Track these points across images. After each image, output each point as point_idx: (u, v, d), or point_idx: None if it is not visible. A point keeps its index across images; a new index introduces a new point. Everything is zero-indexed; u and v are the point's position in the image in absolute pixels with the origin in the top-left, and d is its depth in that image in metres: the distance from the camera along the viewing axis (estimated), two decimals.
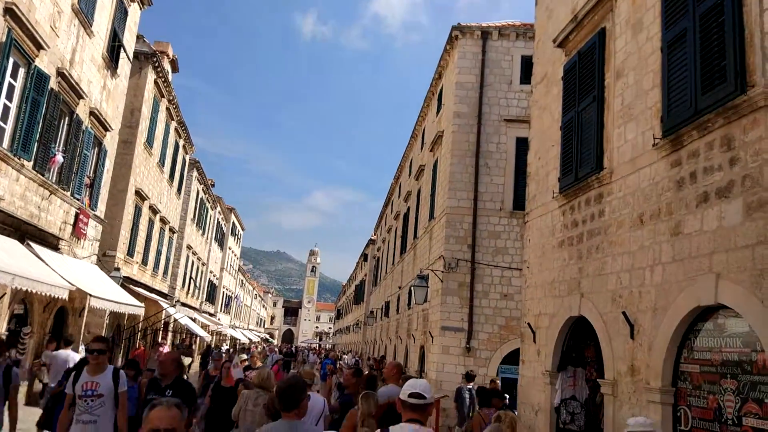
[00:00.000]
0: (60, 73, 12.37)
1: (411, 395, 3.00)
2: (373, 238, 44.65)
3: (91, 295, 12.30)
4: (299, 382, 3.48)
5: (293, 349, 49.48)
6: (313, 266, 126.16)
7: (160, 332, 28.27)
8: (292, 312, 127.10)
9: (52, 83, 12.09)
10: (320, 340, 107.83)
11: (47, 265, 11.69)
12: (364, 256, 48.34)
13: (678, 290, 4.92)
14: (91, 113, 14.43)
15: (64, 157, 13.15)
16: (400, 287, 21.66)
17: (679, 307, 4.85)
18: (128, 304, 15.09)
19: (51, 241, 13.24)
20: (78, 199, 14.41)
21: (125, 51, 15.97)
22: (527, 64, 14.04)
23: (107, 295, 14.01)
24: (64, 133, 13.36)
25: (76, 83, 13.11)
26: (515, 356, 12.76)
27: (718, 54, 4.54)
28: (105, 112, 15.40)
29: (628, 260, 5.84)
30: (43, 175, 12.13)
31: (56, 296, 10.89)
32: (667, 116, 5.31)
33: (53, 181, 12.91)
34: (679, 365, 4.95)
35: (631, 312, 5.61)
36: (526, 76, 13.99)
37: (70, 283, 11.71)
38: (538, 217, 8.45)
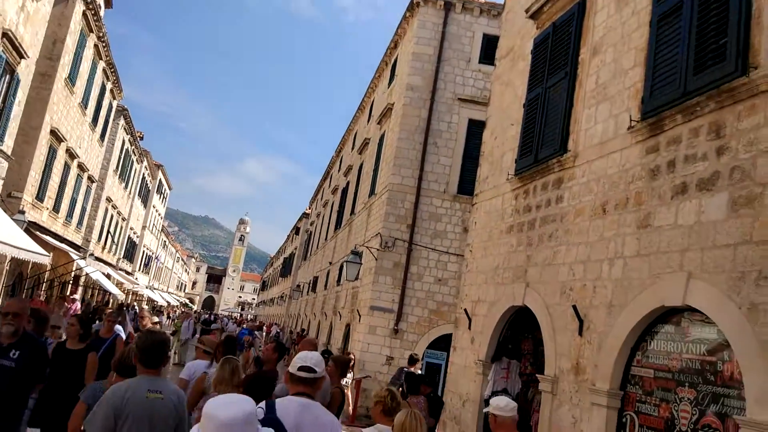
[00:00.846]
0: None
1: (301, 368, 2.92)
2: (307, 211, 43.60)
3: None
4: (165, 338, 3.38)
5: (212, 316, 47.29)
6: (242, 235, 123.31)
7: (69, 285, 26.28)
8: (215, 279, 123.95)
9: None
10: (242, 310, 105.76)
11: None
12: (296, 230, 47.24)
13: (640, 287, 4.53)
14: (4, 35, 12.67)
15: None
16: (331, 263, 20.98)
17: (640, 306, 4.46)
18: (28, 250, 13.51)
19: None
20: None
21: None
22: (488, 42, 13.56)
23: (6, 238, 12.47)
24: None
25: None
26: (442, 341, 12.50)
27: (717, 30, 4.11)
28: (21, 36, 13.62)
29: (584, 251, 5.43)
30: None
31: None
32: (648, 97, 4.88)
33: None
34: (630, 368, 4.58)
35: (582, 306, 5.22)
36: (485, 55, 13.50)
37: None
38: (488, 200, 7.98)
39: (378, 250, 12.59)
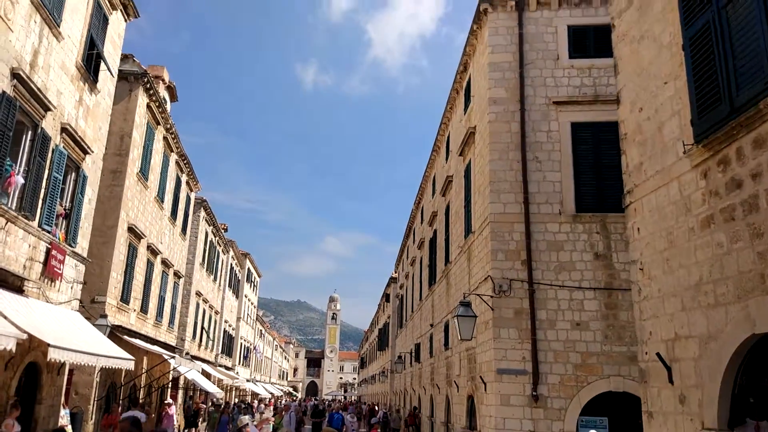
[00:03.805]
0: (15, 75, 10.15)
1: None
2: (394, 276, 41.77)
3: (50, 345, 9.66)
4: None
5: (319, 404, 37.71)
6: (333, 313, 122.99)
7: (168, 390, 25.39)
8: (315, 363, 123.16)
9: (5, 86, 9.87)
10: (345, 391, 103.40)
11: None
12: (386, 297, 45.32)
13: None
14: (64, 130, 12.20)
15: (25, 178, 10.84)
16: (432, 325, 18.68)
17: None
18: (108, 356, 12.33)
19: (11, 282, 10.75)
20: (48, 232, 11.97)
21: (105, 62, 13.83)
22: (577, 34, 11.62)
23: (84, 346, 11.37)
24: (25, 149, 11.06)
25: (40, 90, 10.90)
26: (598, 404, 9.81)
27: None
28: (82, 131, 13.17)
29: None
30: None
31: (0, 347, 8.47)
32: None
33: (11, 207, 10.53)
34: None
35: None
36: (576, 48, 11.49)
37: (20, 329, 9.20)
38: (651, 193, 5.69)
39: (492, 297, 10.29)
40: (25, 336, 9.23)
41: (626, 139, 6.26)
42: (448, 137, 16.84)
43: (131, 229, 17.91)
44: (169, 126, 20.80)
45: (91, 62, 13.30)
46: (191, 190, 26.54)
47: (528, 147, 10.89)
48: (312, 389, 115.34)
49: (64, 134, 12.21)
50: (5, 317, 9.28)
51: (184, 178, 24.54)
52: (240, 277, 47.33)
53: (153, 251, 20.52)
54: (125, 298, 18.08)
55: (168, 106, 21.39)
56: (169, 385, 25.28)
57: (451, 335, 14.82)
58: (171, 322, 24.91)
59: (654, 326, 5.48)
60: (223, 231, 37.76)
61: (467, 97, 13.89)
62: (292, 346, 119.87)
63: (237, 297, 46.54)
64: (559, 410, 9.70)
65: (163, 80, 20.50)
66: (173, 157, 22.31)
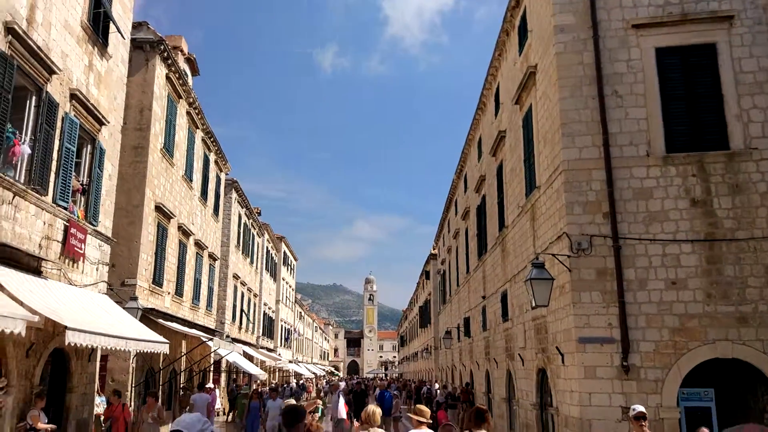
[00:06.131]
0: (10, 30, 9.01)
1: None
2: (433, 252, 40.34)
3: (67, 328, 8.59)
4: (298, 408, 4.08)
5: (362, 382, 36.71)
6: (370, 294, 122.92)
7: (210, 373, 24.71)
8: (354, 343, 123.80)
9: None
10: (386, 369, 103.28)
11: (3, 289, 8.35)
12: (426, 274, 44.00)
13: None
14: (73, 97, 11.10)
15: (32, 148, 9.77)
16: (484, 297, 17.20)
17: None
18: (134, 339, 11.23)
19: (26, 262, 9.82)
20: (65, 209, 10.94)
21: (114, 22, 12.60)
22: None
23: (110, 329, 10.33)
24: (31, 116, 9.98)
25: (41, 49, 9.74)
26: (703, 374, 8.25)
27: None
28: (95, 99, 12.07)
29: None
30: None
31: (7, 330, 7.51)
32: None
33: (19, 180, 9.49)
34: None
35: None
36: None
37: (32, 311, 8.19)
38: None
39: (569, 257, 8.74)
40: (36, 318, 8.20)
41: None
42: (497, 89, 15.11)
43: (159, 208, 16.92)
44: (192, 100, 19.64)
45: (98, 23, 12.13)
46: (221, 170, 25.51)
47: (605, 80, 9.18)
48: (353, 368, 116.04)
49: (74, 101, 11.11)
50: (14, 298, 8.27)
51: (212, 156, 23.48)
52: (276, 261, 46.71)
53: (185, 232, 19.56)
54: (158, 280, 17.18)
55: (189, 80, 20.21)
56: (211, 369, 24.61)
57: (510, 305, 13.33)
58: (209, 305, 24.14)
59: None
60: (257, 214, 36.88)
61: (522, 34, 12.15)
62: (331, 327, 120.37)
63: (275, 280, 45.98)
64: (655, 382, 8.18)
65: (182, 51, 19.28)
66: (199, 133, 21.20)
